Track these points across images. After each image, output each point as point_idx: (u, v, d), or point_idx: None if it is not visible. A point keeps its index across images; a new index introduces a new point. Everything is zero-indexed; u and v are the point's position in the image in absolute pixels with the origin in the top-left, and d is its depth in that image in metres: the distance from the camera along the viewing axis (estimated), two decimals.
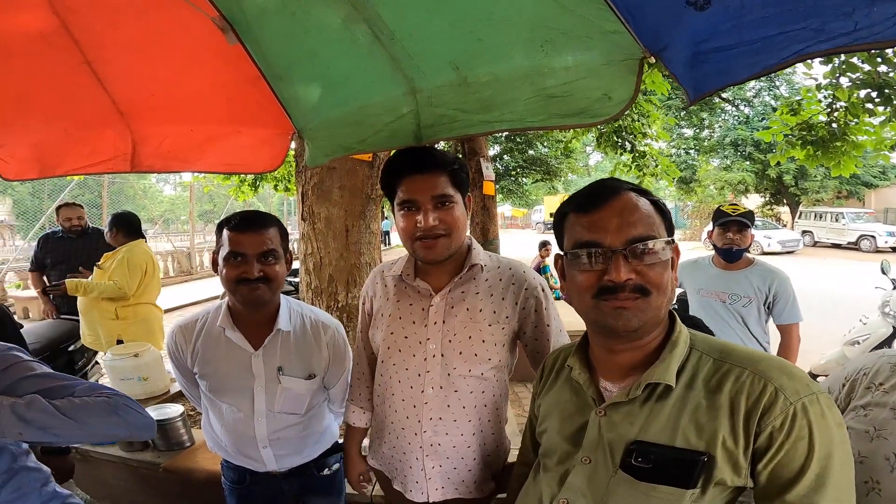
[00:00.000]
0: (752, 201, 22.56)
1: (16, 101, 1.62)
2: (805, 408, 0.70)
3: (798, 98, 4.72)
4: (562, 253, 0.89)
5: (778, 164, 4.81)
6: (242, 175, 7.25)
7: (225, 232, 1.33)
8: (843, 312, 6.99)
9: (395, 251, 18.45)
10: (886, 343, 3.87)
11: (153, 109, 1.75)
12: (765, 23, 0.82)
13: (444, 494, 1.28)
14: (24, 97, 1.62)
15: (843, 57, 3.83)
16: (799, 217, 20.71)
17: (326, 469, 1.60)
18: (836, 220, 18.40)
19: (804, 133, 4.50)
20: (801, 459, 0.69)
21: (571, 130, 6.82)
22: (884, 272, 4.27)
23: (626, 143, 6.38)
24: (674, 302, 1.11)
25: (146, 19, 1.47)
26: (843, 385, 1.13)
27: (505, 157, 16.52)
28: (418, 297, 1.28)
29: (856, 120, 4.22)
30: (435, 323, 1.24)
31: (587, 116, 1.19)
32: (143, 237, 3.56)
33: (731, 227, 2.41)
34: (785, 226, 21.61)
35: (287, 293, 1.57)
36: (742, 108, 22.30)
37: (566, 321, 1.32)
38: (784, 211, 23.47)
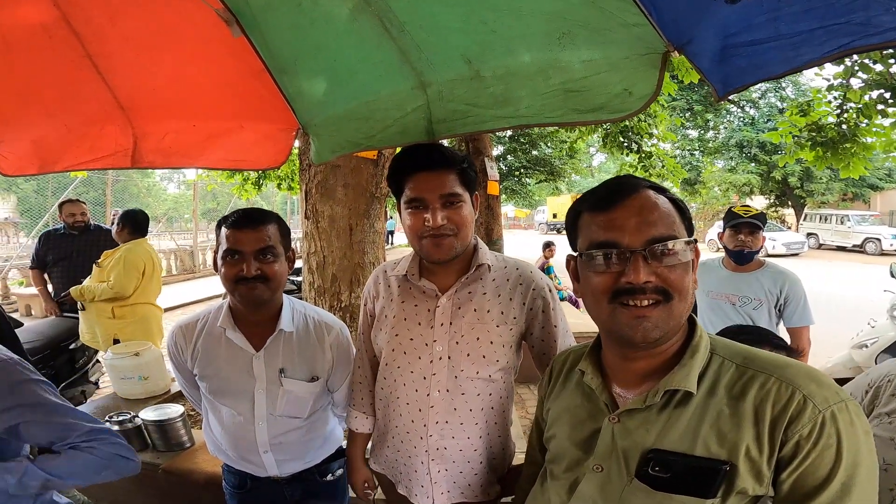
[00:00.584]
0: (757, 203, 22.46)
1: (15, 96, 1.60)
2: (834, 416, 0.67)
3: (808, 99, 4.69)
4: (574, 254, 0.85)
5: (785, 165, 4.79)
6: (246, 173, 7.22)
7: (223, 229, 1.29)
8: (847, 315, 6.95)
9: (398, 251, 18.45)
10: (894, 346, 3.84)
11: (155, 104, 1.73)
12: (806, 16, 0.79)
13: (449, 498, 1.26)
14: (24, 91, 1.60)
15: (855, 57, 3.78)
16: (804, 219, 20.60)
17: (330, 475, 1.56)
18: (842, 223, 18.33)
19: (813, 134, 4.48)
20: (828, 468, 0.66)
21: (577, 130, 6.76)
22: (892, 275, 4.27)
23: (633, 143, 6.32)
24: None
25: (148, 12, 1.45)
26: (867, 391, 1.10)
27: (508, 157, 16.47)
28: (424, 297, 1.25)
29: (867, 121, 4.19)
30: (442, 324, 1.21)
31: (607, 112, 1.15)
32: (147, 236, 3.54)
33: (743, 229, 2.39)
34: (790, 228, 21.52)
35: (289, 292, 1.53)
36: (747, 109, 22.21)
37: (570, 322, 1.30)
38: (789, 213, 23.40)
